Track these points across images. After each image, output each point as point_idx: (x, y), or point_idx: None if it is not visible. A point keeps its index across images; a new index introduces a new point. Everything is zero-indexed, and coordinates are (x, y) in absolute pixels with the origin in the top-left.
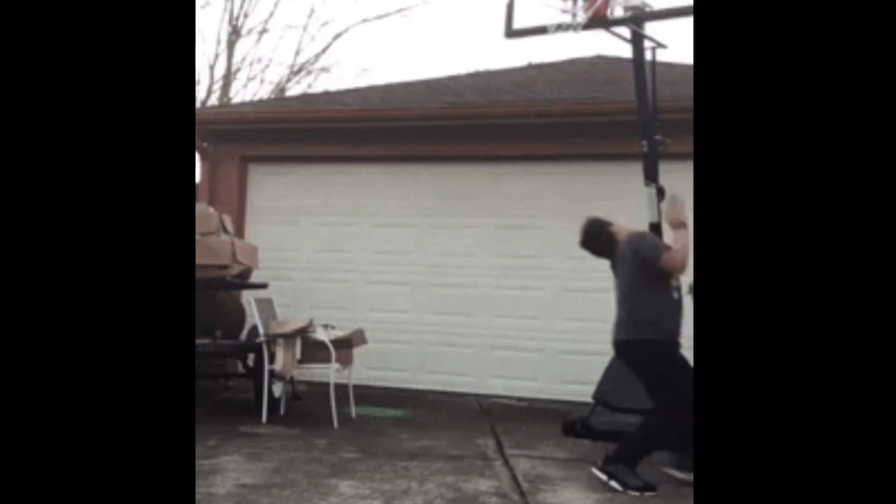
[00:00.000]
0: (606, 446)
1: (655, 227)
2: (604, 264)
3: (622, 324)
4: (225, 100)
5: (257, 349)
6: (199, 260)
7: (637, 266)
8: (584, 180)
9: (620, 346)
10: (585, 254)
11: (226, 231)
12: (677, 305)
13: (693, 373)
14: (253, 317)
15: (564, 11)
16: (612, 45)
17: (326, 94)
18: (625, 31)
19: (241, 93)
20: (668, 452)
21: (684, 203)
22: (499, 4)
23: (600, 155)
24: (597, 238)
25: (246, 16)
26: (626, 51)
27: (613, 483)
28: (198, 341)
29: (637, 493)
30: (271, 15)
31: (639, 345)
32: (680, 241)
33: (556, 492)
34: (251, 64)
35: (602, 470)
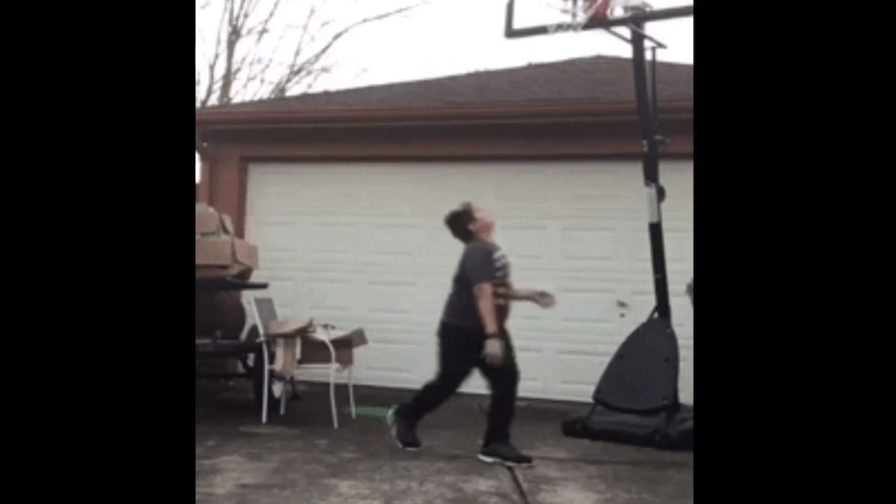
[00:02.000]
0: (606, 446)
1: (655, 228)
2: (604, 265)
3: (448, 310)
4: (225, 100)
5: (257, 349)
6: (199, 260)
7: (463, 273)
8: (585, 180)
9: (443, 328)
10: (585, 254)
11: (226, 231)
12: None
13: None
14: (253, 317)
15: (564, 11)
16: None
17: (326, 94)
18: (625, 31)
19: (241, 93)
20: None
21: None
22: (499, 4)
23: (600, 155)
24: (456, 229)
25: (246, 16)
26: (626, 51)
27: (491, 459)
28: (198, 341)
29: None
30: (271, 15)
31: (456, 329)
32: (487, 311)
33: (556, 492)
34: (251, 64)
35: (484, 454)
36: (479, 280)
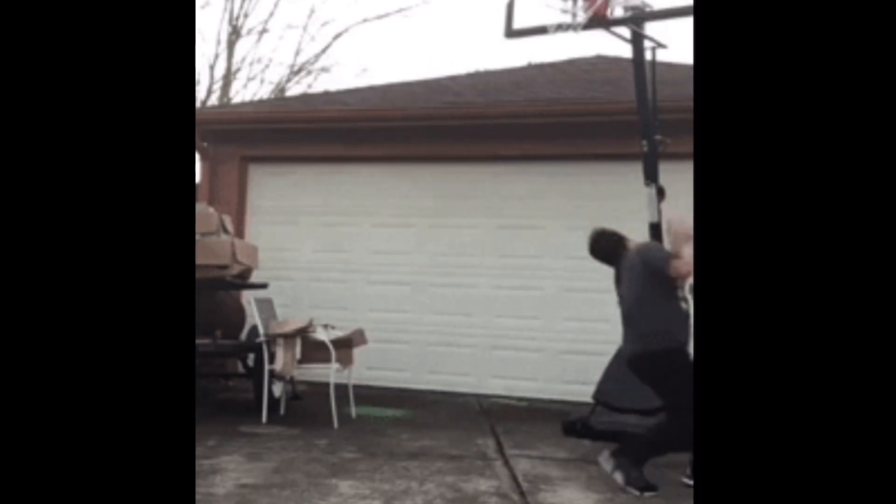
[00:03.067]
0: (606, 446)
1: (655, 227)
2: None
3: (633, 338)
4: (225, 100)
5: (257, 349)
6: (199, 260)
7: (646, 276)
8: (585, 180)
9: (634, 360)
10: (586, 254)
11: (226, 231)
12: (685, 316)
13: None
14: (253, 317)
15: (564, 11)
16: (612, 45)
17: (326, 94)
18: (625, 31)
19: (241, 93)
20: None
21: (684, 220)
22: (499, 4)
23: (600, 155)
24: (604, 246)
25: (246, 16)
26: (626, 51)
27: (618, 474)
28: (198, 341)
29: (637, 493)
30: (271, 15)
31: (651, 356)
32: (687, 253)
33: (556, 492)
34: (251, 64)
35: (611, 457)
36: (668, 259)
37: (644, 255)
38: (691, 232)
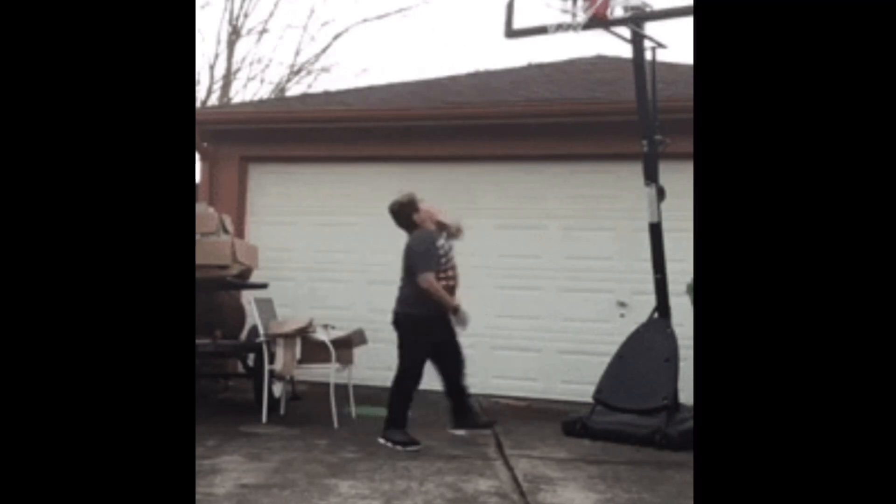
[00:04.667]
0: (606, 446)
1: (655, 228)
2: (604, 265)
3: (398, 299)
4: (225, 100)
5: (257, 349)
6: (199, 260)
7: (408, 262)
8: (585, 180)
9: (394, 316)
10: (585, 254)
11: (226, 231)
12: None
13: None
14: (253, 317)
15: (564, 11)
16: (612, 45)
17: (326, 94)
18: (625, 31)
19: (241, 93)
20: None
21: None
22: (499, 4)
23: (600, 155)
24: (399, 219)
25: (246, 16)
26: (626, 51)
27: (387, 443)
28: (198, 341)
29: (401, 448)
30: (271, 15)
31: (402, 317)
32: (437, 290)
33: (556, 492)
34: (251, 64)
35: (384, 438)
36: (423, 270)
37: (410, 246)
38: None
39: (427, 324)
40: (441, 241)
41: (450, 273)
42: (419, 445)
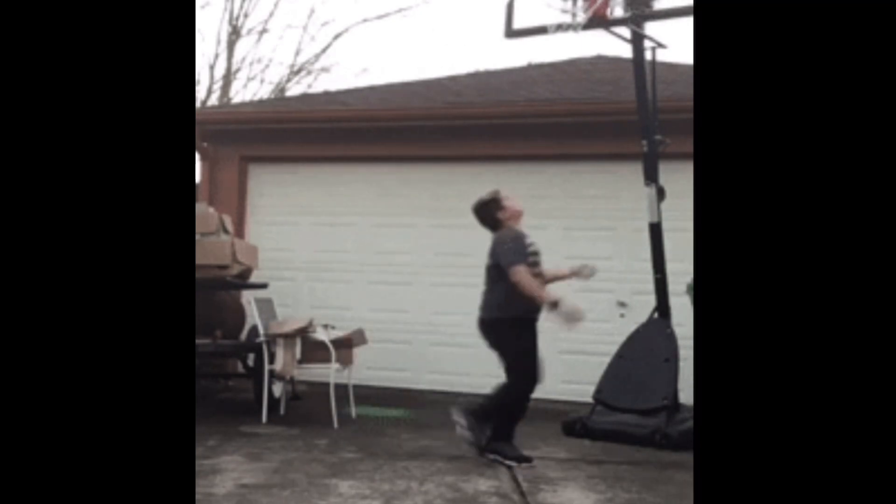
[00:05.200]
0: (606, 446)
1: (655, 228)
2: (604, 265)
3: (483, 305)
4: (225, 100)
5: (257, 349)
6: (199, 260)
7: (494, 261)
8: (585, 180)
9: (480, 324)
10: (585, 254)
11: (226, 231)
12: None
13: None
14: (253, 317)
15: (564, 11)
16: (612, 45)
17: (326, 94)
18: (625, 31)
19: (241, 93)
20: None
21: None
22: (499, 4)
23: (600, 155)
24: (483, 217)
25: (246, 16)
26: (626, 51)
27: (497, 457)
28: (198, 341)
29: (516, 464)
30: (271, 15)
31: (490, 323)
32: (529, 283)
33: (556, 492)
34: (251, 64)
35: (488, 452)
36: (514, 262)
37: (497, 243)
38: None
39: (521, 324)
40: (530, 240)
41: (537, 271)
42: (533, 462)
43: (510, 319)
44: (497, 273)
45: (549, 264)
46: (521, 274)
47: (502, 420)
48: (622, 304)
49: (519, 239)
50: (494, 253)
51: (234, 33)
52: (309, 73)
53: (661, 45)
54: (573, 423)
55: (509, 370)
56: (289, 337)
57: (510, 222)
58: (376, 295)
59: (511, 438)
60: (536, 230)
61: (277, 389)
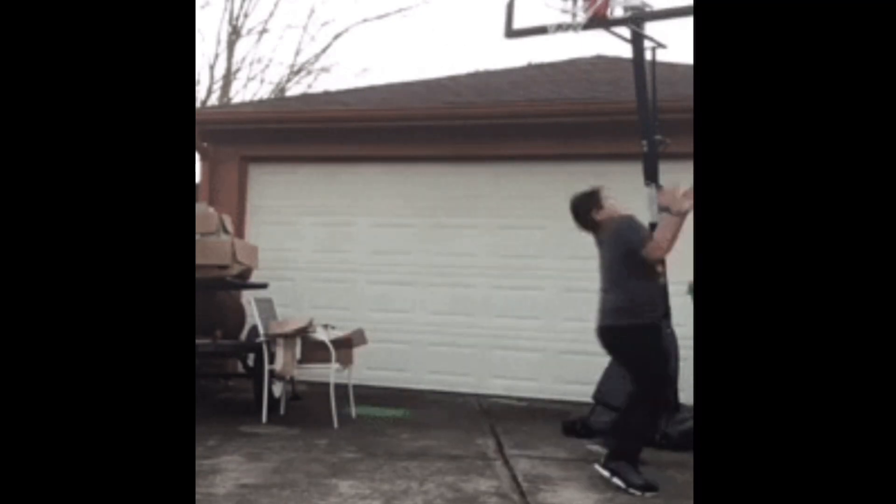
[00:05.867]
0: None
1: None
2: None
3: (606, 310)
4: (225, 100)
5: (257, 349)
6: (199, 260)
7: (621, 252)
8: (585, 180)
9: (603, 332)
10: (585, 254)
11: (226, 231)
12: (662, 290)
13: (665, 359)
14: (253, 317)
15: (564, 11)
16: (612, 45)
17: (326, 94)
18: (625, 31)
19: (241, 93)
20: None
21: (676, 189)
22: (499, 4)
23: (600, 155)
24: (579, 212)
25: (246, 16)
26: (626, 51)
27: (616, 480)
28: (198, 341)
29: (638, 493)
30: (271, 15)
31: (616, 332)
32: (662, 228)
33: (556, 492)
34: (251, 64)
35: (605, 467)
36: (645, 243)
37: (615, 235)
38: (668, 203)
39: (645, 330)
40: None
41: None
42: (657, 491)
43: (635, 326)
44: (622, 268)
45: (549, 264)
46: (658, 244)
47: (628, 438)
48: None
49: (631, 220)
50: (615, 245)
51: (234, 33)
52: (309, 73)
53: (661, 45)
54: (573, 423)
55: (637, 380)
56: (289, 337)
57: (606, 222)
58: (376, 295)
59: (637, 463)
60: (536, 230)
61: (277, 389)
